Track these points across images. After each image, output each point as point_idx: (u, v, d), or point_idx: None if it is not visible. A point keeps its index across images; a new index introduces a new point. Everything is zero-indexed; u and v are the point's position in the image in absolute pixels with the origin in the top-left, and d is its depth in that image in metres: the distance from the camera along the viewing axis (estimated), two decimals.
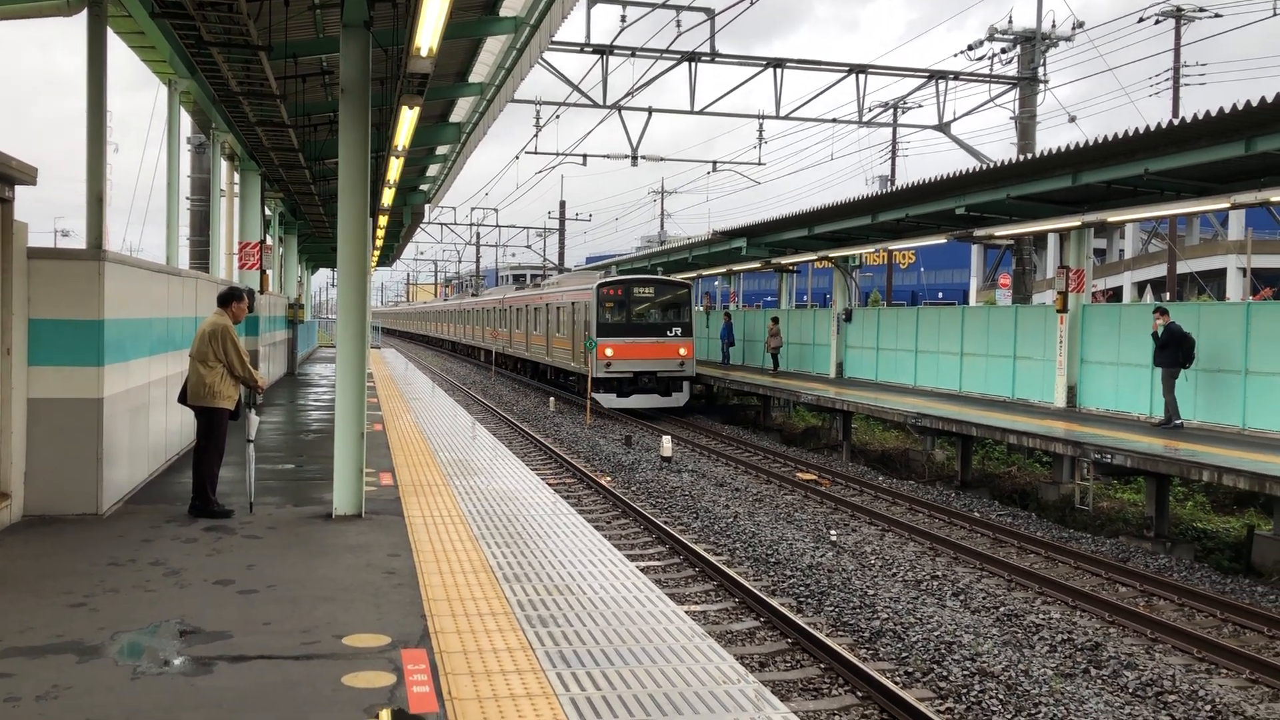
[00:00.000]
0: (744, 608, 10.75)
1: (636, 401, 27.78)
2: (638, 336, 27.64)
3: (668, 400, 28.01)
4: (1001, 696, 8.25)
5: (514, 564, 7.54)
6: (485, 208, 65.74)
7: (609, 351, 27.06)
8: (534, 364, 38.02)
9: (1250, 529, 14.39)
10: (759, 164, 28.20)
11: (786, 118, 22.98)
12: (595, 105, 21.90)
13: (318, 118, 16.57)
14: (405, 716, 4.67)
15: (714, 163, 29.92)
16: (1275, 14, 18.45)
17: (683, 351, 27.86)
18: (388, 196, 19.20)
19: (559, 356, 32.44)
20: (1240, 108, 12.51)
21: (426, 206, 30.47)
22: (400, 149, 13.23)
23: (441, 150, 21.36)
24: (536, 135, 26.43)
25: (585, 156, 29.97)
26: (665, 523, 14.65)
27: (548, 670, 5.28)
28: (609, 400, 27.53)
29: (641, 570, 11.83)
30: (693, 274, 36.17)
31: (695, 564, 12.40)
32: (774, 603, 10.47)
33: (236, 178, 20.52)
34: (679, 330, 28.04)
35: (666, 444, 20.42)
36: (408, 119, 11.46)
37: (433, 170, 24.13)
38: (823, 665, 9.00)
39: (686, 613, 10.19)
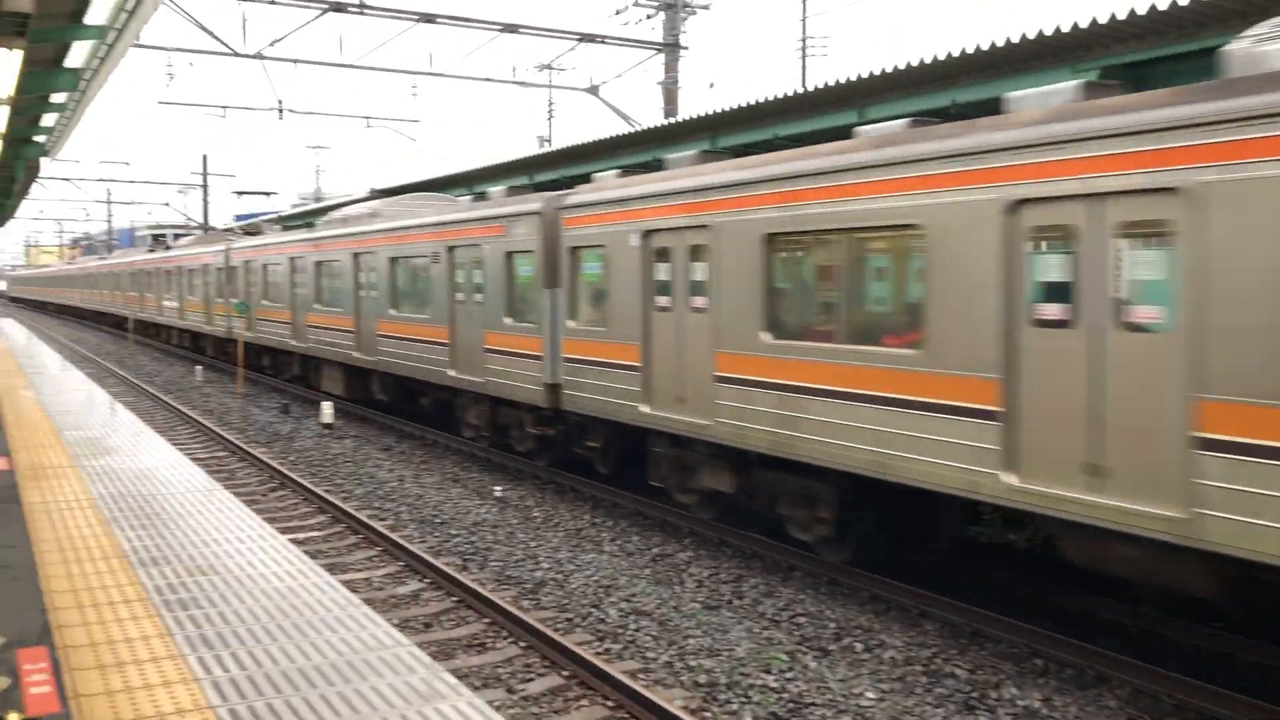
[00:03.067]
0: (409, 570, 10.68)
1: None
2: None
3: None
4: (655, 632, 8.73)
5: (152, 547, 7.06)
6: (117, 162, 60.32)
7: None
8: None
9: None
10: (415, 121, 27.68)
11: (441, 75, 22.69)
12: (234, 54, 20.59)
13: None
14: None
15: (368, 118, 29.05)
16: None
17: None
18: None
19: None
20: (853, 79, 13.71)
21: (44, 160, 27.43)
22: (3, 97, 11.82)
23: (57, 98, 19.28)
24: (169, 85, 24.49)
25: (226, 108, 28.13)
26: (326, 491, 14.23)
27: (188, 655, 5.01)
28: None
29: (299, 542, 11.49)
30: None
31: (358, 531, 12.16)
32: (438, 563, 10.48)
33: None
34: None
35: (327, 410, 19.77)
36: (9, 63, 10.25)
37: (48, 120, 21.73)
38: (487, 620, 9.13)
39: (345, 581, 10.02)
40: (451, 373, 16.00)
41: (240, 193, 39.04)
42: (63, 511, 8.07)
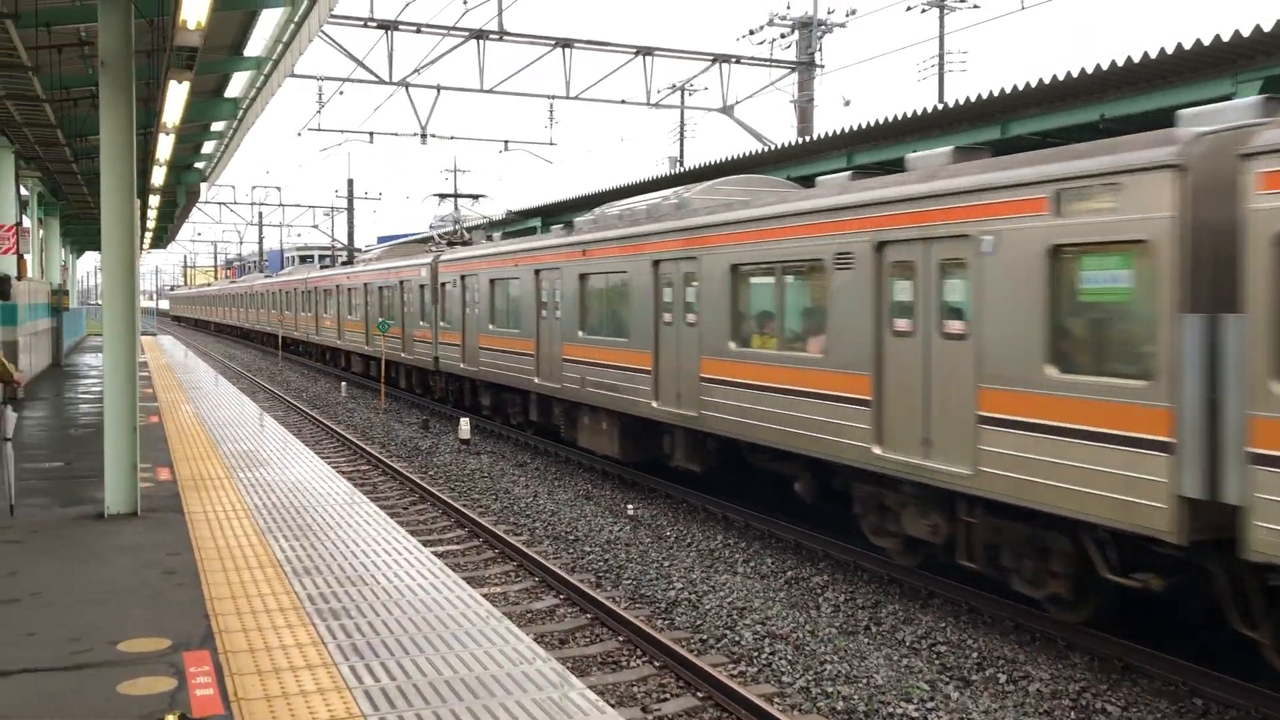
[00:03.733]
0: (544, 586, 10.82)
1: None
2: None
3: None
4: (790, 656, 8.63)
5: (304, 557, 7.33)
6: (268, 186, 63.14)
7: None
8: None
9: None
10: (550, 144, 28.17)
11: (577, 98, 23.05)
12: (381, 81, 21.34)
13: (77, 91, 15.48)
14: None
15: (505, 142, 29.71)
16: (1024, 7, 19.92)
17: None
18: (159, 175, 18.16)
19: None
20: (995, 94, 13.40)
21: (203, 185, 28.97)
22: (170, 125, 12.52)
23: (217, 126, 20.35)
24: (319, 112, 25.51)
25: (372, 134, 29.14)
26: (464, 506, 14.54)
27: (340, 664, 5.18)
28: None
29: (440, 555, 11.75)
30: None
31: (495, 545, 12.38)
32: (573, 579, 10.58)
33: None
34: None
35: (464, 426, 20.23)
36: (177, 94, 10.86)
37: (208, 147, 22.97)
38: (621, 638, 9.17)
39: (485, 595, 10.19)
40: (878, 450, 10.09)
41: (442, 195, 37.06)
42: (221, 521, 8.45)
